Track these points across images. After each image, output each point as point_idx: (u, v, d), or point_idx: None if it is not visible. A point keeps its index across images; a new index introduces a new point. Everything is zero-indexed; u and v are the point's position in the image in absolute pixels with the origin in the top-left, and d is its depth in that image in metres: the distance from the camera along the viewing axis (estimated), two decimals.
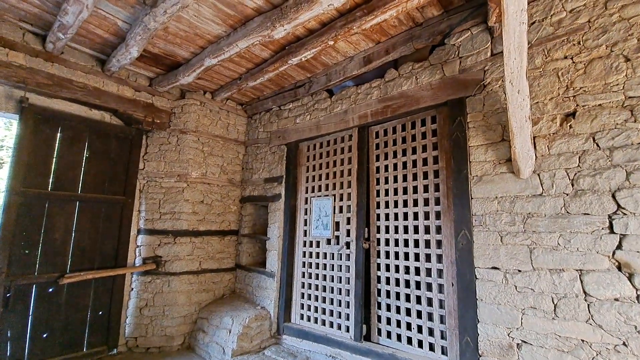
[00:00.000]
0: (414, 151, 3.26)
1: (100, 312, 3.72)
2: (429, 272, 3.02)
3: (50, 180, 3.48)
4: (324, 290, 3.78)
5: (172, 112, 4.48)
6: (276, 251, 4.19)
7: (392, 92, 3.34)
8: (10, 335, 3.18)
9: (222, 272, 4.57)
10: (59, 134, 3.58)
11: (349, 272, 3.57)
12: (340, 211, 3.77)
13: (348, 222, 3.66)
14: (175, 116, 4.47)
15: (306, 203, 4.16)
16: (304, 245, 4.09)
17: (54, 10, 2.99)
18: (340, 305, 3.59)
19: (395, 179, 3.36)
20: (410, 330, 3.06)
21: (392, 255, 3.28)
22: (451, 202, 2.85)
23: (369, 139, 3.65)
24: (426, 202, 3.10)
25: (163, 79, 4.13)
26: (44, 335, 3.35)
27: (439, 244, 2.98)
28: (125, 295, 3.96)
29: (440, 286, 2.93)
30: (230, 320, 3.74)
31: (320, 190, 4.04)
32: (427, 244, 3.06)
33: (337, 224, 3.78)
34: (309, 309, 3.88)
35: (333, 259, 3.75)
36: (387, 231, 3.35)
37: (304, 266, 4.04)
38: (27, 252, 3.29)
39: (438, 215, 3.00)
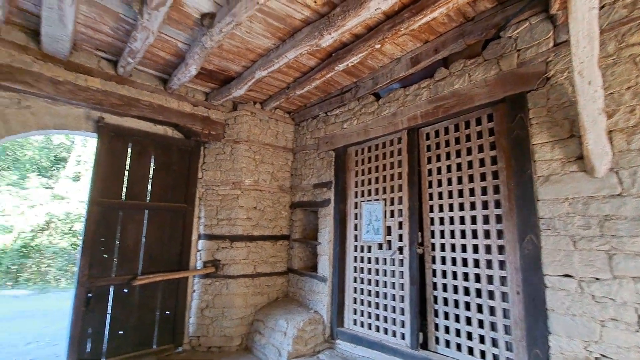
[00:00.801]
0: (469, 152, 3.12)
1: (167, 312, 4.02)
2: (490, 280, 2.86)
3: (123, 191, 3.86)
4: (377, 296, 3.73)
5: (226, 123, 4.75)
6: (327, 256, 4.23)
7: (443, 92, 3.23)
8: (91, 332, 3.54)
9: (275, 276, 4.71)
10: (129, 149, 3.96)
11: (402, 277, 3.49)
12: (392, 215, 3.71)
13: (400, 227, 3.59)
14: (228, 127, 4.73)
15: (356, 208, 4.15)
16: (355, 250, 4.08)
17: (124, 38, 3.32)
18: (394, 312, 3.52)
19: (450, 182, 3.23)
20: (471, 340, 2.91)
21: (448, 260, 3.15)
22: (513, 204, 2.68)
23: (420, 141, 3.56)
24: (485, 205, 2.94)
25: (217, 93, 4.40)
26: (120, 333, 3.69)
27: (500, 249, 2.81)
28: (188, 297, 4.25)
29: (504, 294, 2.75)
30: (285, 323, 3.84)
31: (370, 194, 4.01)
32: (488, 249, 2.90)
33: (389, 228, 3.72)
34: (362, 315, 3.86)
35: (385, 264, 3.69)
36: (442, 236, 3.23)
37: (355, 271, 4.03)
38: (105, 256, 3.67)
39: (499, 219, 2.83)
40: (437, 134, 3.43)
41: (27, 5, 2.87)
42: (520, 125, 2.65)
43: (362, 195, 4.11)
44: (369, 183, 4.04)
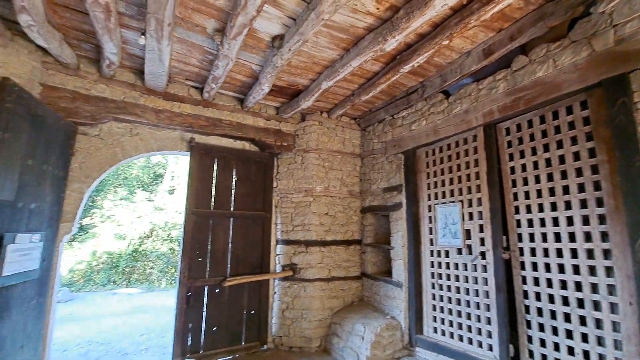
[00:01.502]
0: (560, 145, 2.80)
1: (253, 312, 4.37)
2: (594, 288, 2.52)
3: (212, 201, 4.33)
4: (459, 304, 3.54)
5: (295, 134, 5.02)
6: (401, 260, 4.15)
7: (523, 82, 2.97)
8: (191, 327, 4.01)
9: (350, 280, 4.78)
10: (215, 164, 4.44)
11: (486, 284, 3.26)
12: (470, 218, 3.50)
13: (481, 230, 3.36)
14: (298, 138, 4.98)
15: (430, 211, 4.01)
16: (431, 255, 3.93)
17: (208, 67, 3.76)
18: (479, 321, 3.30)
19: (537, 179, 2.94)
20: (573, 355, 2.58)
21: (541, 267, 2.85)
22: (620, 202, 2.33)
23: (498, 137, 3.31)
24: (583, 204, 2.61)
25: (287, 107, 4.68)
26: (214, 329, 4.12)
27: (606, 253, 2.46)
28: (270, 298, 4.55)
29: (613, 305, 2.40)
30: (362, 328, 3.87)
31: (444, 196, 3.85)
32: (590, 253, 2.56)
33: (468, 232, 3.51)
34: (443, 323, 3.69)
35: (466, 270, 3.49)
36: (531, 239, 2.95)
37: (433, 277, 3.88)
38: (200, 260, 4.14)
39: (602, 219, 2.49)
40: (518, 128, 3.15)
41: (134, 50, 3.45)
42: (623, 111, 2.31)
43: (436, 198, 3.95)
44: (442, 185, 3.88)
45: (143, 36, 2.87)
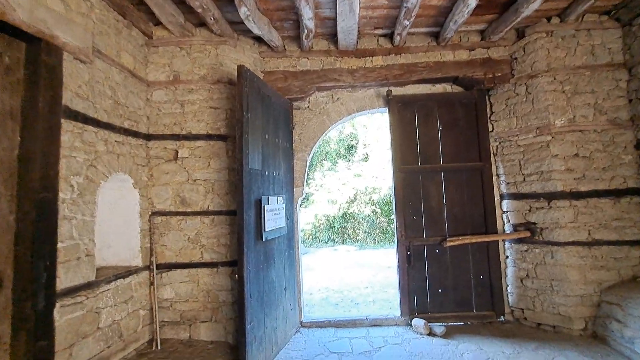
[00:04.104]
0: None
1: (481, 277, 3.78)
2: None
3: (418, 156, 3.95)
4: None
5: (512, 58, 3.88)
6: None
7: None
8: (415, 287, 3.85)
9: (626, 246, 3.36)
10: (415, 115, 4.01)
11: None
12: None
13: None
14: (517, 62, 3.82)
15: None
16: None
17: (397, 3, 3.27)
18: None
19: None
20: None
21: None
22: None
23: None
24: None
25: (497, 25, 3.62)
26: (439, 290, 3.83)
27: None
28: (502, 263, 3.83)
29: None
30: None
31: None
32: None
33: None
34: None
35: None
36: None
37: None
38: (414, 218, 3.90)
39: None
40: None
41: (326, 12, 3.39)
42: None
43: None
44: None
45: None
